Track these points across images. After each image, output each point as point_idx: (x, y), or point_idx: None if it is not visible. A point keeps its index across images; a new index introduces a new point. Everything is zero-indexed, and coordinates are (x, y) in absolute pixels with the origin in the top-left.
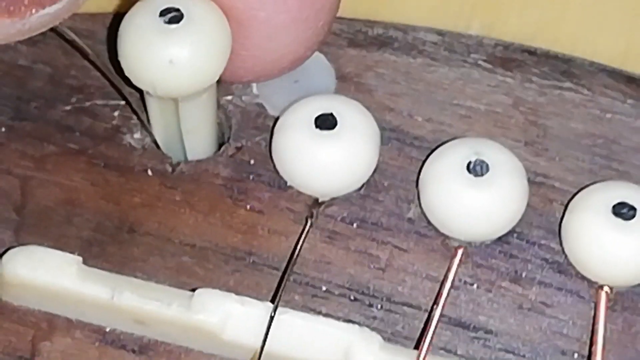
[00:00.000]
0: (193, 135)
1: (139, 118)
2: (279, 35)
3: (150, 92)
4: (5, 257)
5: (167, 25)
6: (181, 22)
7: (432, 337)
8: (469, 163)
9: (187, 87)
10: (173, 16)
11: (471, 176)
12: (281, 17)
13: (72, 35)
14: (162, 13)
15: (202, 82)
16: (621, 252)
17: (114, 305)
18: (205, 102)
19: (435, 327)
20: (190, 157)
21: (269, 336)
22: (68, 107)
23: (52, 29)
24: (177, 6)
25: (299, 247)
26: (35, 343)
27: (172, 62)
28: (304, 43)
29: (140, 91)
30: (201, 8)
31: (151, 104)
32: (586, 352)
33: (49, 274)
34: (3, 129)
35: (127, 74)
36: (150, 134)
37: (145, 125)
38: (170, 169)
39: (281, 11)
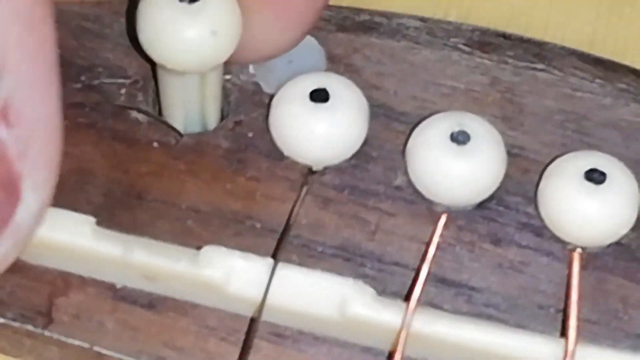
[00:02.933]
0: (210, 106)
1: (144, 96)
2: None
3: (179, 67)
4: None
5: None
6: None
7: (420, 291)
8: (452, 133)
9: (224, 58)
10: None
11: (454, 145)
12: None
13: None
14: None
15: (230, 51)
16: (593, 215)
17: (126, 262)
18: (220, 73)
19: (424, 282)
20: (210, 127)
21: (269, 290)
22: (78, 85)
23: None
24: None
25: (295, 211)
26: (52, 299)
27: (215, 33)
28: (301, 27)
29: (153, 68)
30: None
31: (169, 81)
32: (561, 307)
33: (65, 234)
34: None
35: (152, 51)
36: (159, 110)
37: (152, 102)
38: (174, 142)
39: None
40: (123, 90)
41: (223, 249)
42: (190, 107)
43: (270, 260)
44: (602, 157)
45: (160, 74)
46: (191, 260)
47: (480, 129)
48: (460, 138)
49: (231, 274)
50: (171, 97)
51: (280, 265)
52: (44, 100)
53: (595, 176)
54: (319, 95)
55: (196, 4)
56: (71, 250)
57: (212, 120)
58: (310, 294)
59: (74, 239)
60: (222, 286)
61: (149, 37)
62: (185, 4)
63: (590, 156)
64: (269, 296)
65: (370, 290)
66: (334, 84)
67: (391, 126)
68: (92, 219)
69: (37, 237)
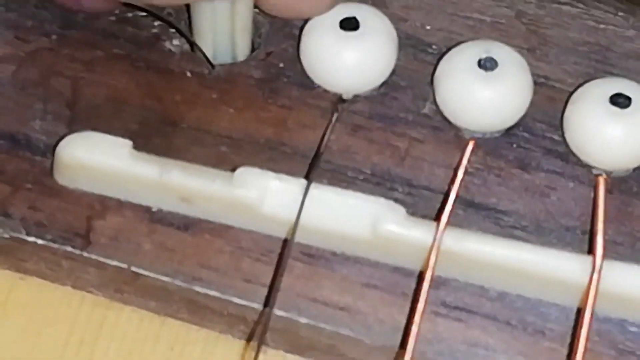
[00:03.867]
0: (241, 36)
1: (175, 28)
2: None
3: None
4: (63, 142)
5: None
6: None
7: (449, 213)
8: (480, 60)
9: None
10: None
11: (482, 71)
12: None
13: None
14: None
15: None
16: (618, 139)
17: (162, 183)
18: (250, 4)
19: (452, 205)
20: (240, 58)
21: (303, 209)
22: (112, 18)
23: None
24: None
25: (326, 137)
26: (90, 221)
27: None
28: None
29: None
30: None
31: (201, 11)
32: (587, 229)
33: (103, 156)
34: (54, 36)
35: None
36: (191, 41)
37: (185, 34)
38: (206, 71)
39: None
40: (157, 23)
41: (257, 170)
42: (221, 38)
43: (304, 181)
44: (626, 83)
45: (193, 4)
46: (226, 181)
47: (507, 56)
48: (487, 64)
49: (265, 194)
50: (202, 27)
51: (313, 185)
52: None
53: (620, 100)
54: (349, 24)
55: None
56: (109, 173)
57: (243, 52)
58: (342, 213)
59: (112, 162)
60: (256, 206)
61: None
62: None
63: (615, 82)
64: (302, 217)
65: (401, 210)
66: (364, 13)
67: (419, 57)
68: (129, 142)
69: (77, 159)
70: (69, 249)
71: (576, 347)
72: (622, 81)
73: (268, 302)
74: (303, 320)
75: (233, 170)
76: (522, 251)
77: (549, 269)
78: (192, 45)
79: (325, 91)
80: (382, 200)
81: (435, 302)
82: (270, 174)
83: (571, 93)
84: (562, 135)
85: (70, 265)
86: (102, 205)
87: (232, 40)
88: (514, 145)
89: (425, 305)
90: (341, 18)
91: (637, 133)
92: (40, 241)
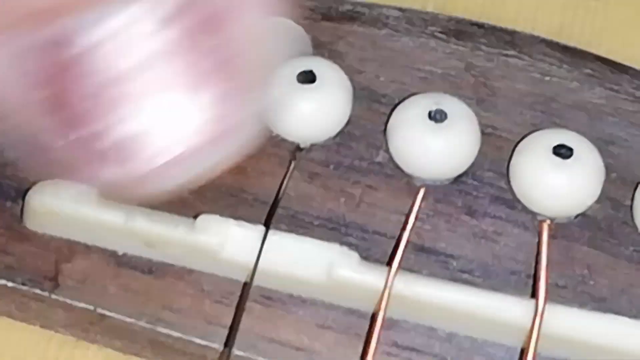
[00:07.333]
0: None
1: None
2: None
3: None
4: (32, 189)
5: None
6: None
7: (401, 257)
8: (430, 112)
9: None
10: None
11: (432, 123)
12: None
13: None
14: None
15: None
16: (561, 188)
17: (127, 229)
18: None
19: (403, 249)
20: None
21: (261, 254)
22: None
23: None
24: None
25: (284, 184)
26: (58, 265)
27: None
28: None
29: None
30: None
31: None
32: (532, 273)
33: (71, 203)
34: None
35: None
36: None
37: None
38: None
39: None
40: None
41: (218, 217)
42: None
43: (262, 227)
44: (568, 134)
45: None
46: (188, 227)
47: (456, 108)
48: (437, 116)
49: (226, 240)
50: None
51: (271, 231)
52: None
53: (562, 151)
54: (307, 77)
55: None
56: (76, 219)
57: None
58: (299, 258)
59: (80, 209)
60: (217, 252)
61: None
62: None
63: (557, 133)
64: (260, 261)
65: (355, 255)
66: (321, 66)
67: (373, 107)
68: (95, 190)
69: (46, 206)
70: (38, 291)
71: None
72: (565, 132)
73: (228, 342)
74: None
75: (195, 216)
76: (469, 295)
77: (494, 312)
78: None
79: (283, 140)
80: (336, 246)
81: (387, 343)
82: (231, 220)
83: (517, 143)
84: (509, 183)
85: (39, 307)
86: (70, 249)
87: None
88: (463, 193)
89: (377, 346)
90: (299, 71)
91: (579, 182)
92: (10, 284)
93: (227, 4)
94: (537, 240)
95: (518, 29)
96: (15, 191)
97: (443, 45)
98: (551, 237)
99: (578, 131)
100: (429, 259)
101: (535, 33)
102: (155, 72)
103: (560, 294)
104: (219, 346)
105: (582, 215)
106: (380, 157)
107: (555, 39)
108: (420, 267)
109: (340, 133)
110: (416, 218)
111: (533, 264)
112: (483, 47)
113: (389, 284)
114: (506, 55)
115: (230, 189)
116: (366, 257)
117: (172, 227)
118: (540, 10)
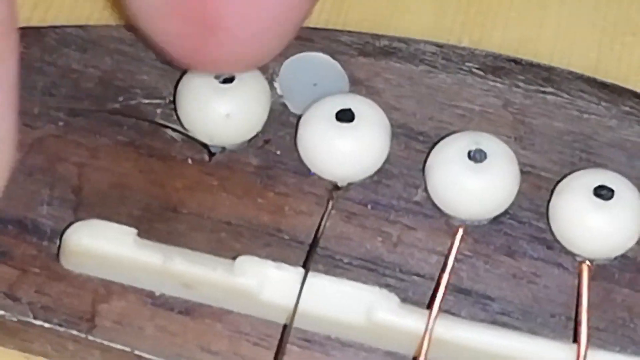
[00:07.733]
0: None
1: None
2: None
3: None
4: (70, 229)
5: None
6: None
7: (441, 300)
8: (470, 151)
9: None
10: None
11: (471, 163)
12: None
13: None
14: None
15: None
16: (601, 229)
17: (165, 270)
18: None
19: (444, 292)
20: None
21: (301, 297)
22: (116, 105)
23: None
24: None
25: (322, 225)
26: (95, 306)
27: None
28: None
29: None
30: None
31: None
32: (572, 315)
33: (108, 244)
34: (61, 124)
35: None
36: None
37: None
38: (207, 159)
39: None
40: (159, 110)
41: (256, 259)
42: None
43: (301, 270)
44: (609, 174)
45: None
46: (227, 269)
47: (495, 147)
48: (477, 156)
49: (264, 283)
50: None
51: (310, 274)
52: None
53: (603, 192)
54: (345, 115)
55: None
56: (114, 260)
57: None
58: (338, 301)
59: (117, 249)
60: (255, 294)
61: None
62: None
63: (598, 174)
64: (300, 304)
65: (394, 298)
66: (359, 104)
67: (411, 145)
68: (133, 230)
69: (83, 247)
70: (75, 332)
71: None
72: (605, 172)
73: None
74: None
75: (233, 256)
76: (509, 340)
77: (535, 357)
78: (189, 137)
79: (321, 179)
80: (376, 288)
81: None
82: (270, 262)
83: (556, 183)
84: (548, 223)
85: (76, 348)
86: (107, 289)
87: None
88: (502, 233)
89: None
90: (338, 109)
91: (620, 223)
92: (47, 324)
93: None
94: (576, 281)
95: (554, 64)
96: (51, 230)
97: (480, 81)
98: (591, 279)
99: (617, 170)
100: (467, 301)
101: (572, 68)
102: None
103: (600, 337)
104: None
105: (622, 256)
106: (419, 197)
107: (592, 74)
108: (459, 309)
109: (377, 172)
110: (455, 259)
111: (572, 306)
112: (521, 84)
113: (430, 327)
114: (544, 92)
115: (268, 228)
116: (404, 298)
117: (211, 268)
118: (576, 45)
